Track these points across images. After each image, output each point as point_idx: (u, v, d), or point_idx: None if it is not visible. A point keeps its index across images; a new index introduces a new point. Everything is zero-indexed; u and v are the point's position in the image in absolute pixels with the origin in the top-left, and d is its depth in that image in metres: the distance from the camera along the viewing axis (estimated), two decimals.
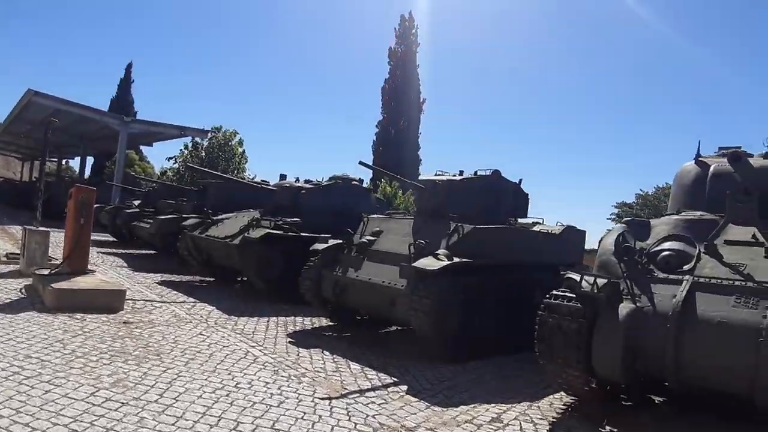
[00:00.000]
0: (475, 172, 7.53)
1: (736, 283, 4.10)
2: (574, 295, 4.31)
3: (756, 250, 4.37)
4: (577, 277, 4.39)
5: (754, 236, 4.50)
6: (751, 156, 5.63)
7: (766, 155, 5.42)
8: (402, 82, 30.12)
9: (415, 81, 30.66)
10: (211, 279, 10.73)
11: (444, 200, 7.20)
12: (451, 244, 6.25)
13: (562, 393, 4.78)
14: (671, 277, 4.38)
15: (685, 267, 4.44)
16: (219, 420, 3.59)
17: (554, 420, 4.28)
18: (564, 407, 4.62)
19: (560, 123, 76.96)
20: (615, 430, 4.10)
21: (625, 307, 4.18)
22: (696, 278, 4.25)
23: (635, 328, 4.07)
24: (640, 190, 30.47)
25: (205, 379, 4.43)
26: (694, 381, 4.00)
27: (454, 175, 7.58)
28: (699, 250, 4.54)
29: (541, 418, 4.28)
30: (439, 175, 7.68)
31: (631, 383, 4.38)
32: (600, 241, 5.44)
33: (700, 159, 5.92)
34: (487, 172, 7.46)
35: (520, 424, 4.11)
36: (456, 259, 5.86)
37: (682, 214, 5.28)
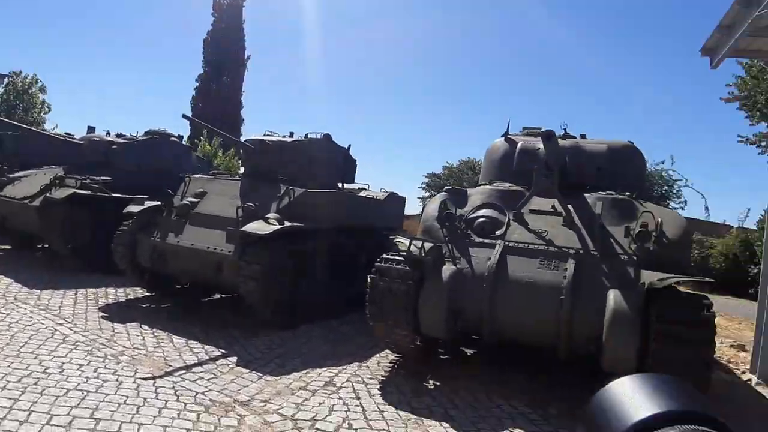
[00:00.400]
0: (306, 135, 7.41)
1: (540, 247, 4.66)
2: (403, 259, 4.52)
3: (556, 218, 4.98)
4: (405, 241, 4.61)
5: (553, 207, 5.11)
6: None
7: (563, 137, 6.18)
8: (226, 35, 28.39)
9: (241, 36, 29.13)
10: (8, 247, 9.35)
11: (274, 162, 7.00)
12: (281, 207, 6.13)
13: (388, 351, 5.04)
14: (486, 241, 4.82)
15: (497, 232, 4.92)
16: (29, 414, 3.15)
17: (383, 378, 4.51)
18: (391, 365, 4.88)
19: (384, 94, 79.38)
20: (437, 383, 4.45)
21: (447, 269, 4.50)
22: (507, 243, 4.73)
23: (456, 288, 4.42)
24: (447, 162, 32.93)
25: (8, 366, 3.85)
26: (506, 335, 4.49)
27: (284, 137, 7.39)
28: (509, 217, 5.05)
29: (371, 378, 4.48)
30: (268, 135, 7.42)
31: (452, 339, 4.77)
32: (423, 208, 5.77)
33: (508, 136, 6.53)
34: (319, 136, 7.39)
35: (353, 385, 4.25)
36: (287, 223, 5.76)
37: (494, 184, 5.79)
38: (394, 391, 4.22)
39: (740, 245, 20.63)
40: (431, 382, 4.46)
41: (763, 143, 17.58)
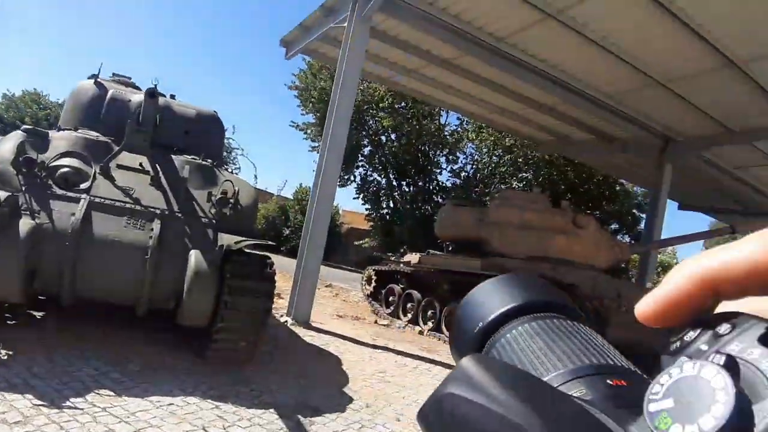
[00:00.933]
0: None
1: (127, 205, 4.68)
2: None
3: (144, 177, 5.07)
4: None
5: (141, 164, 5.18)
6: (140, 88, 6.32)
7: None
8: None
9: None
10: None
11: None
12: None
13: None
14: (70, 194, 4.53)
15: (83, 186, 4.68)
16: None
17: None
18: None
19: None
20: (10, 352, 3.97)
21: (25, 224, 4.06)
22: (92, 198, 4.56)
23: (35, 246, 4.04)
24: (8, 90, 27.51)
25: None
26: (87, 294, 4.36)
27: None
28: (95, 170, 4.86)
29: None
30: None
31: (26, 303, 4.31)
32: None
33: (98, 80, 6.16)
34: None
35: None
36: None
37: (80, 131, 5.43)
38: None
39: (278, 210, 24.43)
40: (3, 352, 3.96)
41: (309, 131, 21.40)
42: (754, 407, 0.22)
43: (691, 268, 0.29)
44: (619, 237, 22.84)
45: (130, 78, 6.80)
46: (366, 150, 21.82)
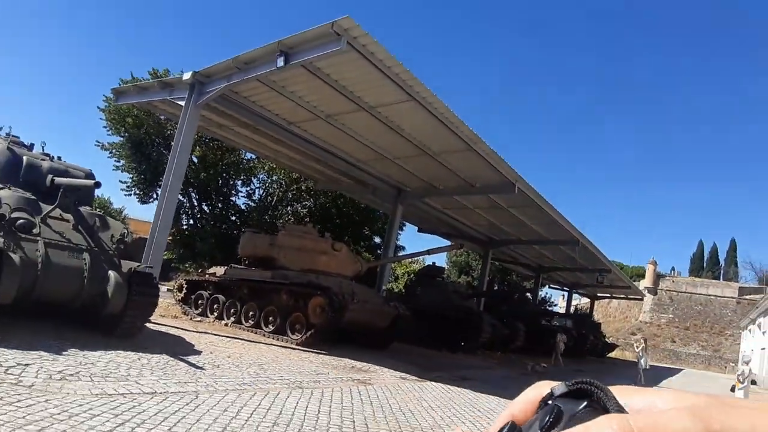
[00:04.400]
0: None
1: (66, 244, 7.83)
2: None
3: (66, 224, 8.15)
4: None
5: (61, 215, 8.22)
6: (25, 145, 9.19)
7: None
8: None
9: None
10: None
11: None
12: None
13: None
14: (29, 237, 7.52)
15: (34, 231, 7.69)
16: None
17: None
18: None
19: None
20: None
21: (16, 258, 7.04)
22: (44, 239, 7.62)
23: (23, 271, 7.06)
24: None
25: None
26: (48, 299, 7.45)
27: None
28: (38, 220, 7.86)
29: None
30: None
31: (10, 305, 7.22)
32: None
33: (9, 146, 8.84)
34: None
35: None
36: None
37: (13, 189, 8.19)
38: None
39: None
40: None
41: (114, 151, 22.99)
42: None
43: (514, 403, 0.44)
44: (380, 250, 28.80)
45: (18, 137, 9.39)
46: None
